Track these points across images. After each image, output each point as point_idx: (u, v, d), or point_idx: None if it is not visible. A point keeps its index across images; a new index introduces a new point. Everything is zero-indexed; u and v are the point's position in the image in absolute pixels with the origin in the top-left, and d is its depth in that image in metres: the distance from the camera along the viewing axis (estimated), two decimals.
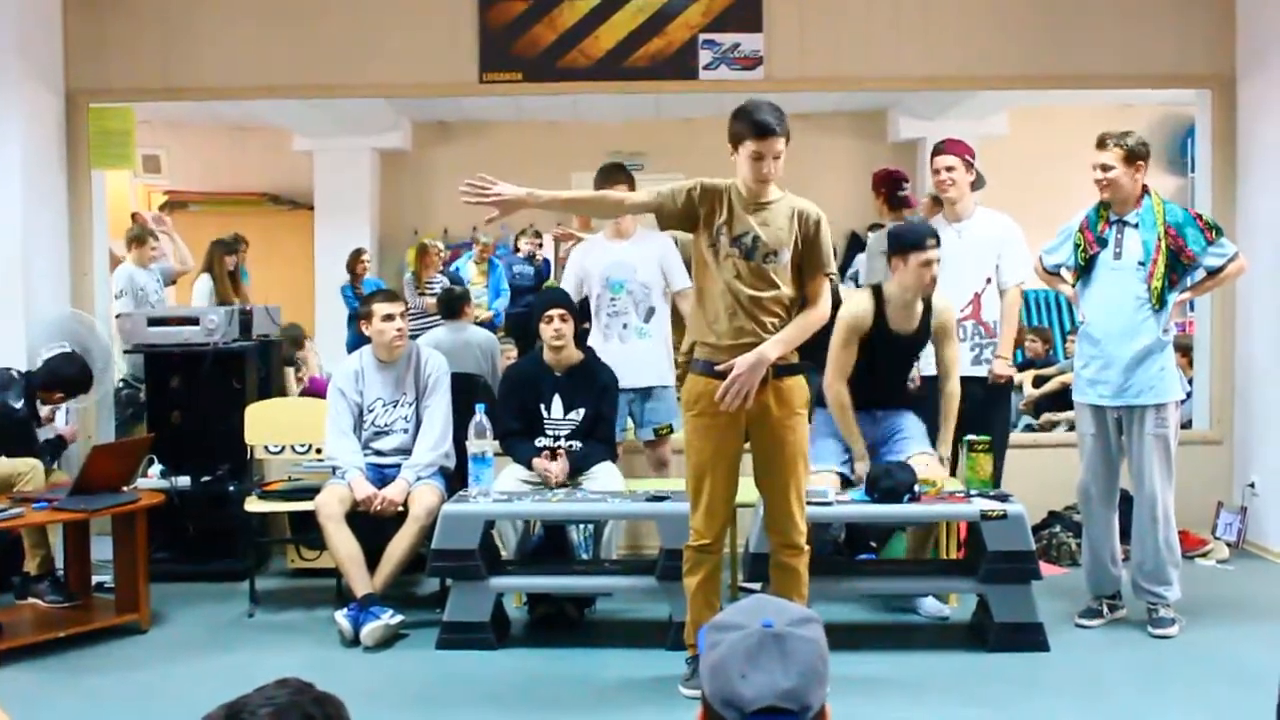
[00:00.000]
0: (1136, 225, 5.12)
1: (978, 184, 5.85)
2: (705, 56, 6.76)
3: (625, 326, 6.06)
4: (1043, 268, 5.53)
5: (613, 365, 5.86)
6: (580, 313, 5.93)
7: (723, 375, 4.22)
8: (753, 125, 4.21)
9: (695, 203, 4.30)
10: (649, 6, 6.76)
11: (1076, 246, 5.25)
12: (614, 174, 5.96)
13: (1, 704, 2.45)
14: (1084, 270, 5.24)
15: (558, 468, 5.51)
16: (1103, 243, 5.17)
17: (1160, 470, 5.13)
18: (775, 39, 6.76)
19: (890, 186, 6.99)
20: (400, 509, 5.45)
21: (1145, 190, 5.17)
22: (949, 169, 5.70)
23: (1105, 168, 5.11)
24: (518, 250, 11.71)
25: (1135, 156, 5.11)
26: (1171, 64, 6.84)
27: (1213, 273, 5.19)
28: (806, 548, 4.41)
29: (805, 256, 4.34)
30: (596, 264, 6.10)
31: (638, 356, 6.00)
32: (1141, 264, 5.09)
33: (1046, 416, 8.03)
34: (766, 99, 4.33)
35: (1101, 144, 5.14)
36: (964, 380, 5.67)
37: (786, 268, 4.31)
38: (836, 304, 4.94)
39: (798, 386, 4.37)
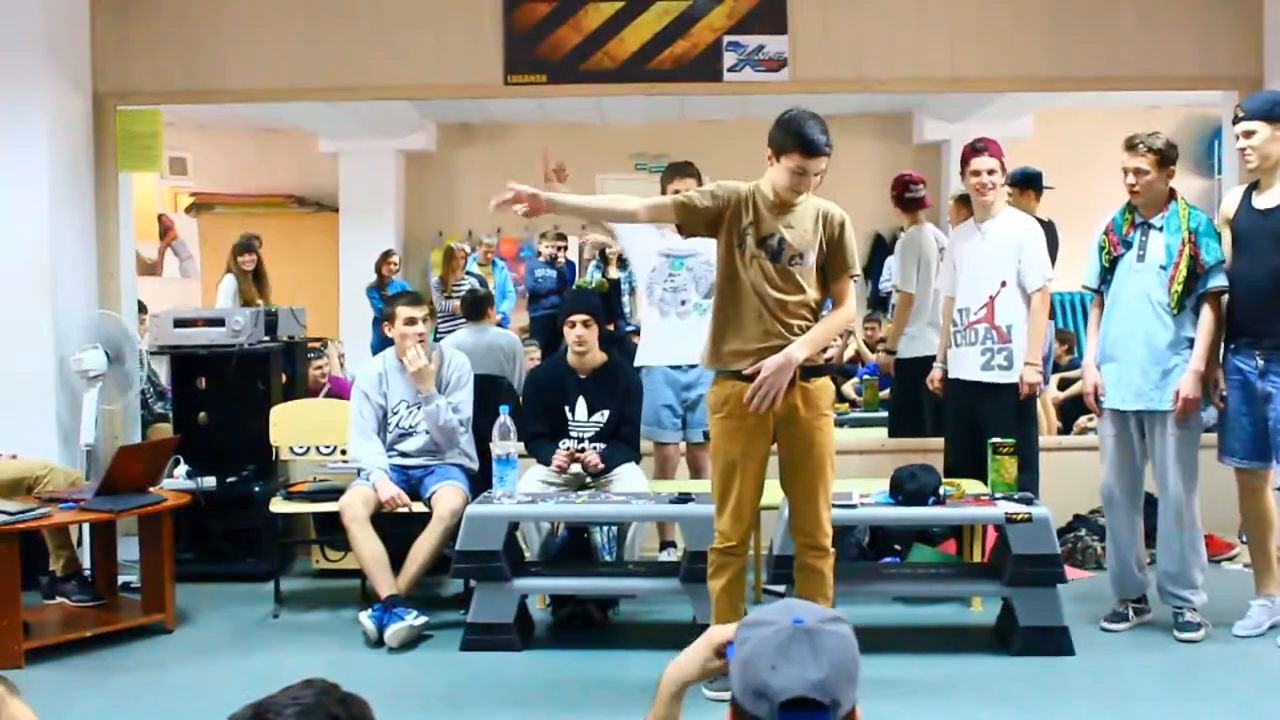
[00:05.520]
0: (1161, 228, 5.10)
1: (1005, 182, 5.82)
2: (730, 59, 6.75)
3: (684, 303, 5.97)
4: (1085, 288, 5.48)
5: (666, 342, 5.84)
6: (607, 311, 5.90)
7: (750, 378, 4.22)
8: (802, 142, 4.17)
9: (721, 204, 4.29)
10: (673, 9, 6.75)
11: (1101, 249, 5.24)
12: (683, 170, 5.88)
13: (32, 711, 2.46)
14: (1107, 272, 5.23)
15: (568, 458, 5.50)
16: (1127, 245, 5.16)
17: (1183, 474, 5.11)
18: (800, 41, 6.74)
19: (900, 189, 7.00)
20: (425, 509, 5.47)
21: (1172, 194, 5.15)
22: (990, 172, 5.61)
23: (1139, 171, 5.08)
24: (540, 254, 11.73)
25: (1167, 160, 5.09)
26: (1197, 65, 6.80)
27: (1202, 297, 5.09)
28: (832, 550, 4.40)
29: (831, 258, 4.33)
30: (654, 239, 5.99)
31: (694, 333, 5.79)
32: (1163, 267, 5.07)
33: (1081, 423, 7.99)
34: (810, 109, 4.27)
35: (1132, 146, 5.11)
36: (973, 385, 5.63)
37: (812, 270, 4.29)
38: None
39: (825, 387, 4.36)
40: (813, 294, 4.30)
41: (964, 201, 6.62)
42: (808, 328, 4.27)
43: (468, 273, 10.86)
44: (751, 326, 4.25)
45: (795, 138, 4.19)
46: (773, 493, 4.54)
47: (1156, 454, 5.16)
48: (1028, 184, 7.00)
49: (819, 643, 1.81)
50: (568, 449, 5.59)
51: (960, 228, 6.01)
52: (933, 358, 6.12)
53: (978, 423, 5.57)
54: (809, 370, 4.28)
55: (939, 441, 6.10)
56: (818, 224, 4.30)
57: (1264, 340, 4.97)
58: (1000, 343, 5.57)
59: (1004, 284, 5.57)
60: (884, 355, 7.54)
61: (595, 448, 5.61)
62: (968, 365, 5.65)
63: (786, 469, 4.38)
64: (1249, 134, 4.97)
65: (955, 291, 5.77)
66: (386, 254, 11.23)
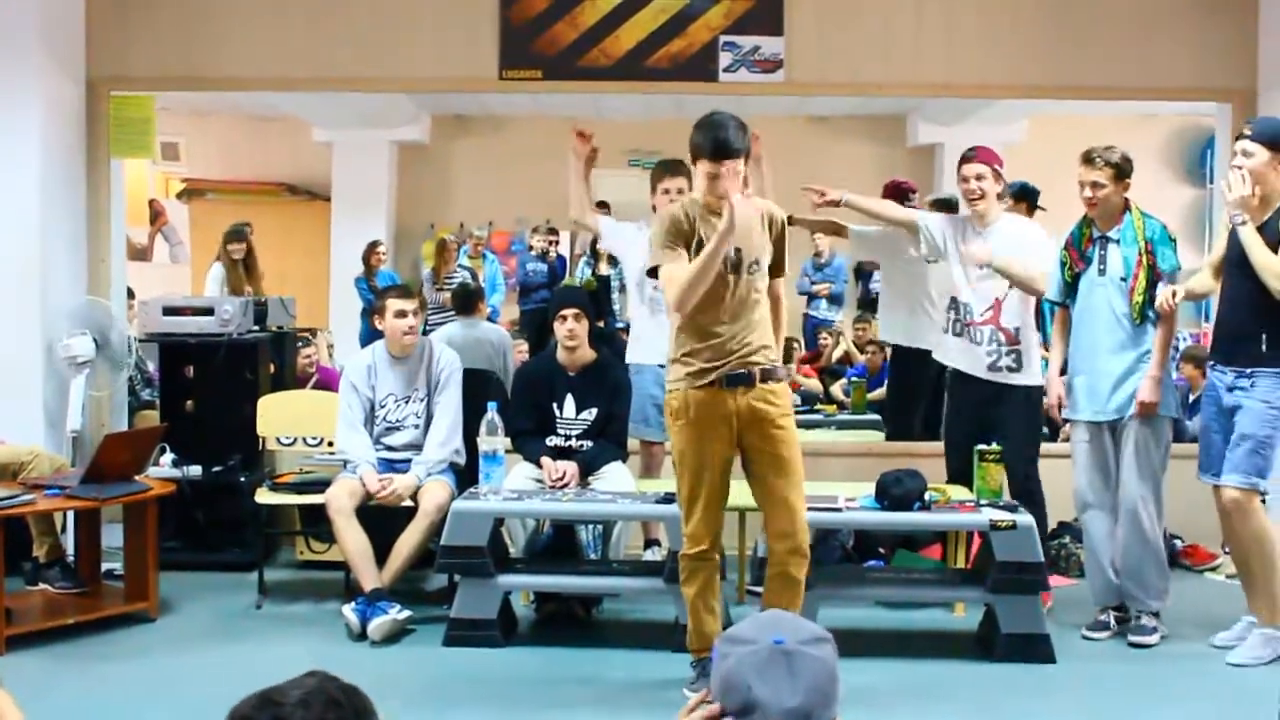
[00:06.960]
0: (1118, 241, 5.17)
1: (1003, 194, 5.81)
2: (725, 59, 6.74)
3: None
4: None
5: (656, 340, 5.84)
6: (596, 309, 5.88)
7: (710, 385, 4.24)
8: (706, 147, 4.17)
9: (688, 225, 4.25)
10: (670, 7, 6.75)
11: (1063, 264, 5.33)
12: (673, 169, 5.82)
13: (12, 697, 2.46)
14: (1070, 287, 5.30)
15: (564, 468, 5.49)
16: (1087, 260, 5.24)
17: (1141, 480, 5.14)
18: (796, 42, 6.74)
19: (898, 197, 6.99)
20: (410, 504, 5.46)
21: (1126, 205, 5.20)
22: (979, 178, 5.59)
23: (1096, 185, 5.14)
24: (531, 248, 11.71)
25: (1123, 173, 5.16)
26: (1191, 77, 6.81)
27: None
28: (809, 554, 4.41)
29: (774, 256, 4.37)
30: (642, 237, 5.95)
31: None
32: (1123, 279, 5.14)
33: (1067, 430, 7.99)
34: (729, 111, 4.26)
35: (1089, 160, 5.18)
36: (980, 382, 5.60)
37: (765, 273, 4.32)
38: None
39: (784, 391, 4.40)
40: (766, 302, 4.34)
41: (937, 206, 6.63)
42: (765, 332, 4.32)
43: (459, 265, 10.85)
44: (714, 342, 4.26)
45: (700, 145, 4.20)
46: (749, 494, 4.52)
47: (1121, 462, 5.21)
48: (1023, 197, 7.01)
49: (797, 666, 1.81)
50: (557, 478, 5.54)
51: (957, 221, 5.91)
52: (929, 351, 6.09)
53: (985, 418, 5.53)
54: (767, 373, 4.31)
55: (928, 446, 6.10)
56: (764, 226, 4.31)
57: (1237, 358, 4.96)
58: (1009, 344, 5.55)
59: (1010, 286, 5.57)
60: (873, 352, 7.52)
61: (582, 445, 5.61)
62: (974, 362, 5.62)
63: (758, 476, 4.37)
64: (1247, 154, 4.94)
65: (953, 278, 5.72)
66: (374, 245, 11.20)
